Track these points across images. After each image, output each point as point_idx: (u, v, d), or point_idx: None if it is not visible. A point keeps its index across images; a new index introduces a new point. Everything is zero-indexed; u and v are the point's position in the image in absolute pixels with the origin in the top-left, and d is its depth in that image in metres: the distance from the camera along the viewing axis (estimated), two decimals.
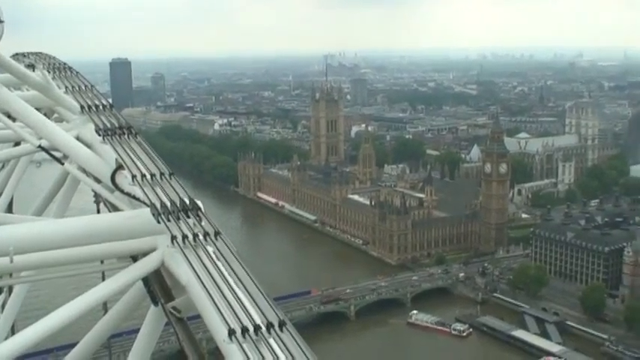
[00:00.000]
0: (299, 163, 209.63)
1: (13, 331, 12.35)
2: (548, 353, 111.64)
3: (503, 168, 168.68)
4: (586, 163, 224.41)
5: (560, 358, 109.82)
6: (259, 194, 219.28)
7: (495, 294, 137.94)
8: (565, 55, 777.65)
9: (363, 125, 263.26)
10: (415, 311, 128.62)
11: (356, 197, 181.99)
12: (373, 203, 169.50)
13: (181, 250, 7.76)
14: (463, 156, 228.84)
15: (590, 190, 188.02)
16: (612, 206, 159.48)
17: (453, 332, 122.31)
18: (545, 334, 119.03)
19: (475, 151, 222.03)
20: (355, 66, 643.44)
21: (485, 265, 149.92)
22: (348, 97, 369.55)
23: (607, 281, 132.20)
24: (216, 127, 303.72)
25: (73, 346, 9.12)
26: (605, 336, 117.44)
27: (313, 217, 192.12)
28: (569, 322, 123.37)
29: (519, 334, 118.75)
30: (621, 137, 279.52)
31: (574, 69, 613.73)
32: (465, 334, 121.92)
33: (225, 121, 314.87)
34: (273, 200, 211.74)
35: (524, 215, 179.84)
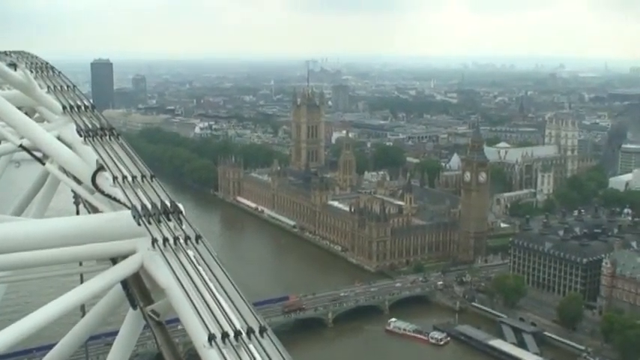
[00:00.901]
0: (279, 168, 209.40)
1: None
2: None
3: (482, 177, 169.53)
4: (565, 174, 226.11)
5: None
6: (239, 198, 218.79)
7: (473, 303, 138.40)
8: (546, 66, 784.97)
9: (344, 132, 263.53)
10: (394, 319, 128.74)
11: (336, 203, 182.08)
12: (353, 210, 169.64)
13: (162, 253, 7.66)
14: (443, 164, 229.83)
15: (569, 200, 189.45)
16: (591, 217, 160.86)
17: (431, 340, 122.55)
18: (522, 344, 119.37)
19: (455, 160, 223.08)
20: (337, 72, 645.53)
21: (465, 275, 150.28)
22: (330, 103, 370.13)
23: (585, 292, 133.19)
24: (197, 130, 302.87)
25: (51, 347, 9.00)
26: (582, 347, 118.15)
27: (292, 223, 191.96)
28: (546, 333, 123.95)
29: (496, 343, 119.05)
30: (601, 149, 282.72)
31: (555, 80, 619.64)
32: (442, 342, 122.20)
33: (206, 124, 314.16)
34: (253, 205, 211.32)
35: (503, 225, 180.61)
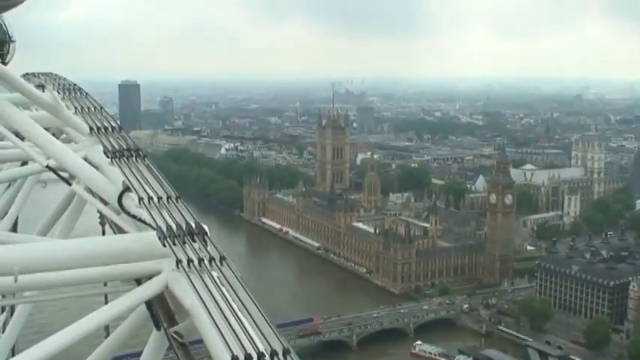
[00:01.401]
0: (304, 189, 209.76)
1: (13, 352, 12.22)
2: None
3: (508, 199, 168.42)
4: (592, 196, 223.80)
5: None
6: (264, 219, 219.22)
7: (499, 326, 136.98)
8: (572, 88, 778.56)
9: (369, 153, 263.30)
10: (419, 342, 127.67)
11: (360, 225, 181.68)
12: (377, 231, 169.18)
13: (186, 274, 7.67)
14: (468, 186, 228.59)
15: (596, 223, 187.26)
16: (618, 240, 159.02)
17: None
18: None
19: (480, 182, 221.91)
20: (362, 93, 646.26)
21: (491, 298, 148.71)
22: (355, 124, 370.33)
23: (612, 316, 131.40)
24: (223, 151, 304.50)
25: None
26: None
27: (317, 244, 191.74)
28: (572, 357, 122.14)
29: None
30: (627, 171, 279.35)
31: (581, 101, 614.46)
32: None
33: (231, 145, 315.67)
34: (278, 226, 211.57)
35: (529, 247, 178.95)
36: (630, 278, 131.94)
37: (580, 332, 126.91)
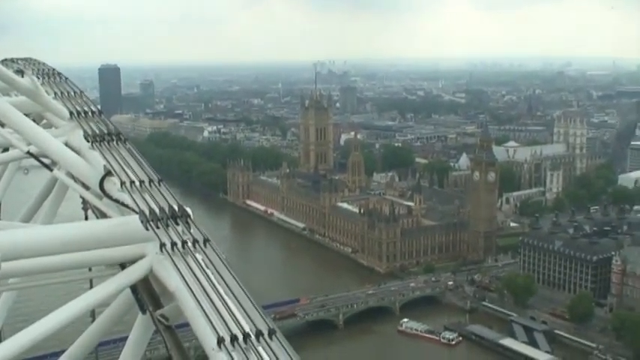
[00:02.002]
0: (288, 170, 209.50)
1: (0, 338, 12.22)
2: None
3: (491, 176, 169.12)
4: (574, 172, 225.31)
5: None
6: (248, 202, 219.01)
7: (484, 302, 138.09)
8: (554, 64, 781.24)
9: (353, 133, 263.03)
10: (406, 319, 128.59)
11: (345, 205, 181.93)
12: (362, 211, 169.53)
13: (170, 257, 7.71)
14: (452, 164, 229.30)
15: (579, 199, 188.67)
16: (600, 215, 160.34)
17: (443, 341, 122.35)
18: (533, 343, 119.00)
19: (464, 160, 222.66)
20: (345, 74, 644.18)
21: (475, 275, 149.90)
22: (338, 105, 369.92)
23: (595, 290, 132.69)
24: (205, 134, 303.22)
25: (60, 353, 9.04)
26: (593, 345, 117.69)
27: (302, 225, 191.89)
28: (557, 331, 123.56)
29: (508, 342, 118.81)
30: (609, 146, 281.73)
31: (563, 78, 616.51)
32: (454, 342, 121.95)
33: (214, 128, 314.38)
34: (262, 208, 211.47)
35: (512, 224, 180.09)
36: (613, 253, 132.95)
37: (564, 307, 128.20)
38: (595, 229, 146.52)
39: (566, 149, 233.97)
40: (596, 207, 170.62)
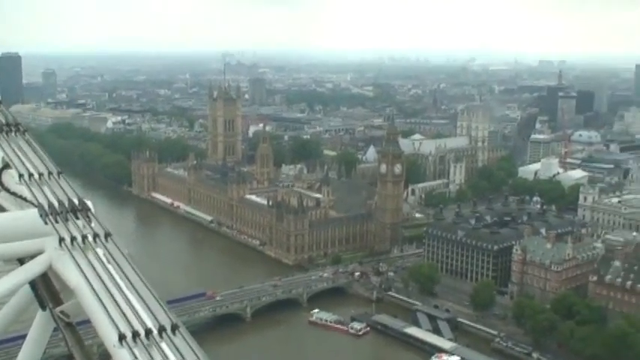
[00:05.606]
0: (195, 162, 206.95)
1: None
2: (440, 350, 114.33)
3: (398, 168, 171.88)
4: (476, 164, 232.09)
5: (451, 354, 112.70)
6: (154, 194, 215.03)
7: (390, 292, 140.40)
8: (458, 59, 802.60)
9: (261, 125, 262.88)
10: (316, 310, 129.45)
11: (253, 197, 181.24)
12: (270, 203, 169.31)
13: (69, 252, 7.55)
14: (360, 156, 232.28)
15: (480, 190, 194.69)
16: (501, 206, 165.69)
17: (351, 331, 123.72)
18: (437, 331, 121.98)
19: (371, 152, 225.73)
20: (254, 65, 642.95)
21: (380, 264, 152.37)
22: (247, 96, 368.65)
23: (496, 278, 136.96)
24: (110, 124, 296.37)
25: None
26: (495, 332, 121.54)
27: (209, 218, 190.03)
28: (460, 319, 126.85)
29: (412, 331, 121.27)
30: (510, 139, 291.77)
31: (466, 73, 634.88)
32: (361, 332, 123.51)
33: (118, 118, 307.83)
34: (169, 200, 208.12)
35: (417, 215, 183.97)
36: (513, 242, 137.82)
37: (467, 295, 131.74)
38: (496, 219, 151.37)
39: (469, 142, 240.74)
40: (496, 198, 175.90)
